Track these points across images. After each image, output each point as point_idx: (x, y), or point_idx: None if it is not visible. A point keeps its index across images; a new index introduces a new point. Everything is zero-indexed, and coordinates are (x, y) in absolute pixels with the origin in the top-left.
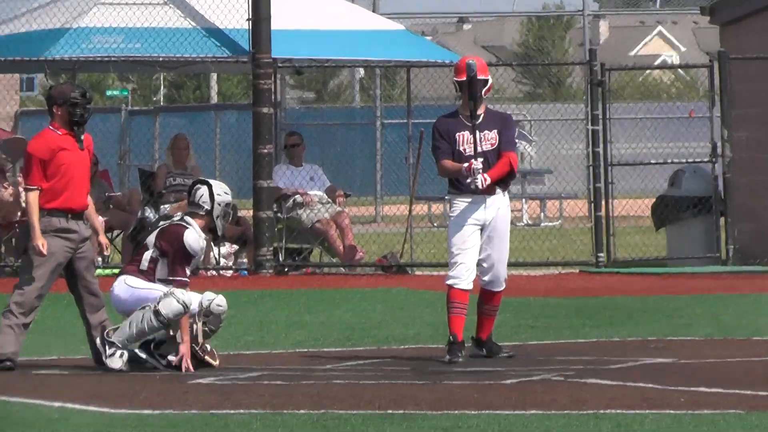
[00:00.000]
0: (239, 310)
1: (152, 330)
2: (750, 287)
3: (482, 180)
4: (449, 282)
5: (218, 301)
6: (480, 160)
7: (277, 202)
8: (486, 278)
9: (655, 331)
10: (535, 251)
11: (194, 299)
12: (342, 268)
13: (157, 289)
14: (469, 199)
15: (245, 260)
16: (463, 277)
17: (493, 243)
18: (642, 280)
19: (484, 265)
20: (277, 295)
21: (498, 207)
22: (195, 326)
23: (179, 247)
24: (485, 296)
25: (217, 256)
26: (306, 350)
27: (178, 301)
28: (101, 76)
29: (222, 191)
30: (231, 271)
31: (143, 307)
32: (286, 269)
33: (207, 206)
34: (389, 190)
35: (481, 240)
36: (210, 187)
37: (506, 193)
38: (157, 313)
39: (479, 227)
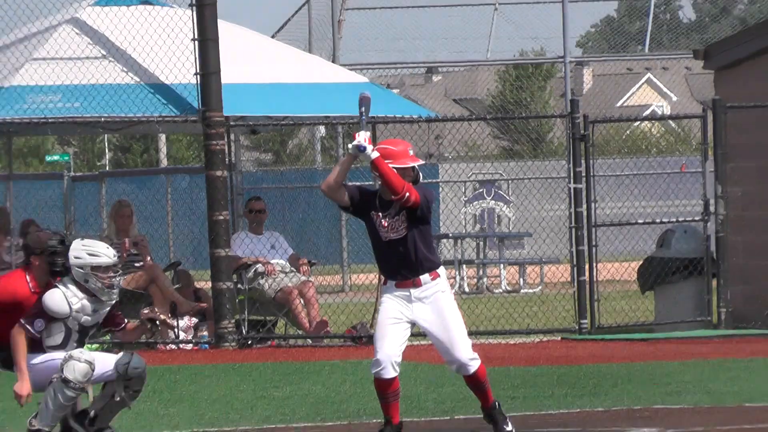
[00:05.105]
0: (201, 386)
1: (70, 399)
2: (742, 352)
3: (365, 139)
4: (372, 371)
5: (134, 363)
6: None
7: (236, 273)
8: (452, 368)
9: (641, 399)
10: (514, 319)
11: (109, 362)
12: (309, 340)
13: (53, 357)
14: (394, 294)
15: (206, 333)
16: (383, 365)
17: (437, 334)
18: (628, 347)
19: (444, 357)
20: (241, 369)
21: (426, 297)
22: (87, 391)
23: (39, 306)
24: (465, 379)
25: (176, 330)
26: (273, 426)
27: (80, 361)
28: (40, 140)
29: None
30: (191, 345)
31: (51, 381)
32: (249, 342)
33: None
34: (356, 257)
35: (421, 329)
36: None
37: (438, 272)
38: (65, 381)
39: (406, 321)
